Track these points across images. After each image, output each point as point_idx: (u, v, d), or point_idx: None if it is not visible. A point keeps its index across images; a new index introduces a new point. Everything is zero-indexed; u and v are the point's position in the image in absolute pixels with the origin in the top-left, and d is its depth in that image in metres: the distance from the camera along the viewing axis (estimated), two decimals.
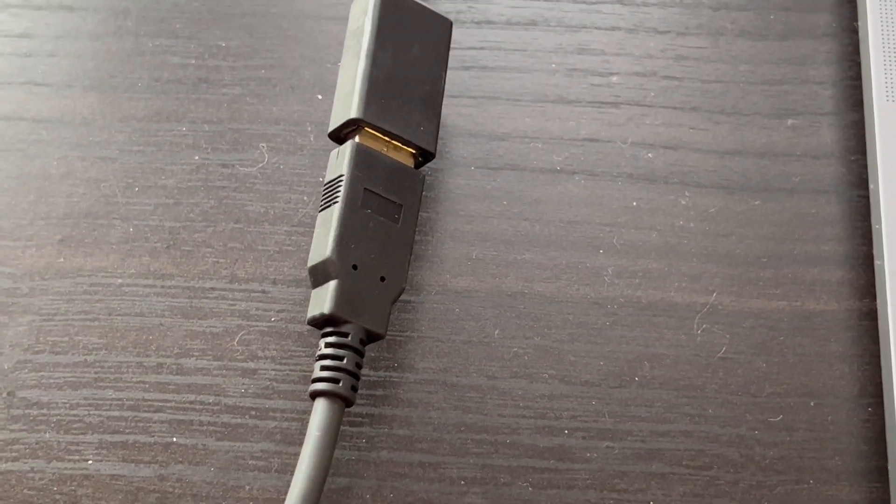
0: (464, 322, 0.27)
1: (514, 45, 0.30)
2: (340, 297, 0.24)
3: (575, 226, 0.28)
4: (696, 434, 0.25)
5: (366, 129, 0.26)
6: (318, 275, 0.25)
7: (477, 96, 0.29)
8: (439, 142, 0.28)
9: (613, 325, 0.27)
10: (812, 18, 0.30)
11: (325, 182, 0.26)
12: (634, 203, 0.28)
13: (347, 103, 0.26)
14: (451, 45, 0.29)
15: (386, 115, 0.26)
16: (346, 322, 0.24)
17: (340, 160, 0.26)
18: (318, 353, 0.24)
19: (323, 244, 0.25)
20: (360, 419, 0.25)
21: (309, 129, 0.29)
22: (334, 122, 0.26)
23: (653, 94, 0.29)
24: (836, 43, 0.30)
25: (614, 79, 0.30)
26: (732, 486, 0.25)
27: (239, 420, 0.25)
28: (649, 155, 0.29)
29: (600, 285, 0.27)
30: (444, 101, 0.28)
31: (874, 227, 0.27)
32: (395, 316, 0.26)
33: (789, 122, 0.29)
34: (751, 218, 0.28)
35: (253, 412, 0.25)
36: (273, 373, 0.26)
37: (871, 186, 0.27)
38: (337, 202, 0.25)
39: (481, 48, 0.30)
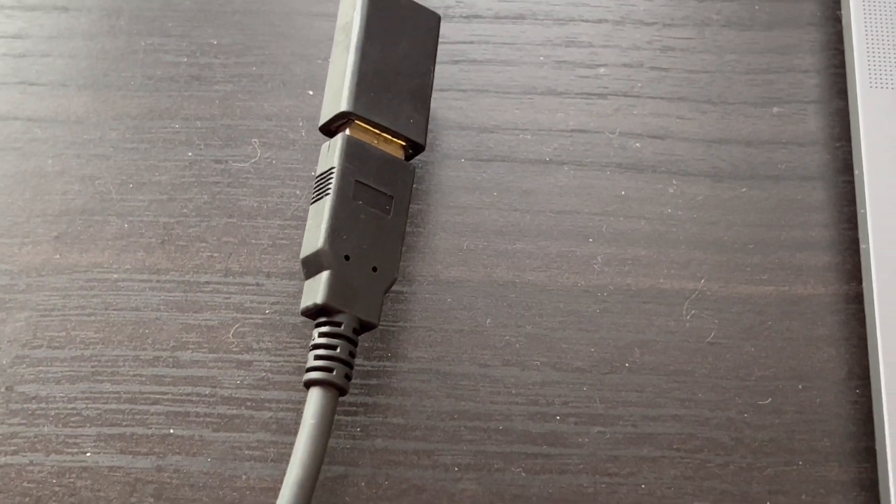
0: (456, 311, 0.27)
1: (502, 39, 0.30)
2: (333, 287, 0.25)
3: (565, 215, 0.28)
4: (686, 418, 0.26)
5: (356, 122, 0.26)
6: (311, 266, 0.25)
7: (466, 89, 0.30)
8: (430, 135, 0.28)
9: (604, 313, 0.27)
10: (796, 8, 0.31)
11: (317, 175, 0.26)
12: (623, 192, 0.28)
13: (337, 97, 0.26)
14: (441, 40, 0.29)
15: (376, 108, 0.26)
16: (339, 312, 0.25)
17: (331, 153, 0.26)
18: (312, 342, 0.24)
19: (315, 235, 0.25)
20: (354, 408, 0.26)
21: (300, 124, 0.29)
22: (325, 116, 0.27)
23: (640, 84, 0.30)
24: (821, 32, 0.30)
25: (602, 70, 0.30)
26: (723, 469, 0.25)
27: (235, 411, 0.26)
28: (637, 145, 0.29)
29: (590, 273, 0.27)
30: (434, 95, 0.28)
31: (859, 211, 0.27)
32: (387, 306, 0.27)
33: (775, 110, 0.29)
34: (738, 205, 0.28)
35: (248, 403, 0.26)
36: (268, 364, 0.26)
37: (856, 172, 0.27)
38: (328, 194, 0.25)
39: (470, 42, 0.30)
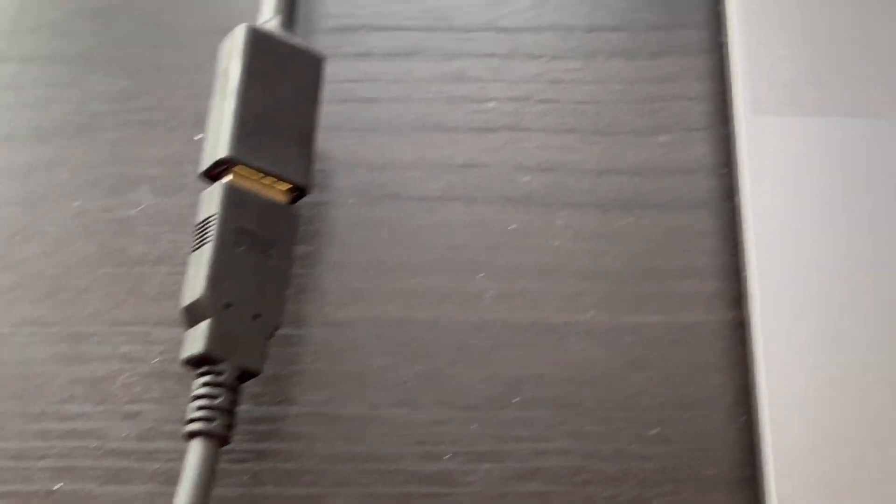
0: (346, 353, 0.27)
1: (392, 76, 0.31)
2: (214, 335, 0.24)
3: (455, 251, 0.28)
4: (574, 451, 0.26)
5: (237, 167, 0.26)
6: (192, 315, 0.25)
7: (357, 128, 0.30)
8: (320, 175, 0.29)
9: (494, 348, 0.27)
10: (683, 36, 0.31)
11: (197, 222, 0.26)
12: (513, 226, 0.29)
13: (218, 142, 0.26)
14: (330, 79, 0.29)
15: (257, 153, 0.26)
16: (220, 361, 0.24)
17: (212, 200, 0.26)
18: (193, 393, 0.24)
19: (195, 284, 0.25)
20: (244, 455, 0.26)
21: (189, 169, 0.29)
22: (206, 162, 0.26)
23: (529, 117, 0.30)
24: (708, 59, 0.31)
25: (491, 105, 0.30)
26: (611, 501, 0.25)
27: (123, 463, 0.25)
28: (526, 178, 0.29)
29: (480, 309, 0.27)
30: (324, 135, 0.28)
31: (740, 238, 0.27)
32: (278, 350, 0.27)
33: (662, 138, 0.30)
34: (626, 235, 0.28)
35: (136, 455, 0.26)
36: (156, 414, 0.26)
37: (737, 199, 0.28)
38: (209, 242, 0.25)
39: (360, 80, 0.31)
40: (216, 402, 0.24)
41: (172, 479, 0.25)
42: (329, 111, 0.29)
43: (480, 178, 0.29)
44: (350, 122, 0.30)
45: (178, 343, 0.27)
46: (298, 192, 0.27)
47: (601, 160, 0.29)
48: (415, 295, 0.28)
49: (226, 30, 0.28)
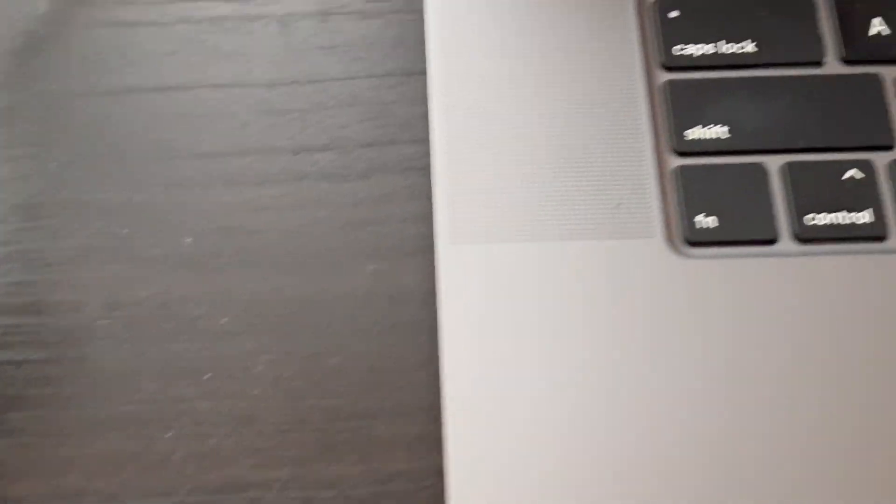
0: None
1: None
2: None
3: (142, 407, 0.26)
4: None
5: None
6: None
7: (34, 277, 0.28)
8: None
9: None
10: (393, 152, 0.30)
11: None
12: (207, 376, 0.27)
13: None
14: None
15: None
16: None
17: None
18: None
19: None
20: None
21: None
22: None
23: (228, 252, 0.28)
24: (420, 177, 0.29)
25: (188, 241, 0.28)
26: None
27: None
28: (224, 321, 0.27)
29: (168, 473, 0.25)
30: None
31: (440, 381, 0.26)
32: None
33: (370, 267, 0.28)
34: (328, 377, 0.27)
35: None
36: None
37: (438, 337, 0.26)
38: None
39: (34, 229, 0.28)
40: None
41: None
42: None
43: (174, 323, 0.27)
44: (28, 271, 0.28)
45: None
46: None
47: (304, 294, 0.28)
48: (95, 460, 0.26)
49: None
